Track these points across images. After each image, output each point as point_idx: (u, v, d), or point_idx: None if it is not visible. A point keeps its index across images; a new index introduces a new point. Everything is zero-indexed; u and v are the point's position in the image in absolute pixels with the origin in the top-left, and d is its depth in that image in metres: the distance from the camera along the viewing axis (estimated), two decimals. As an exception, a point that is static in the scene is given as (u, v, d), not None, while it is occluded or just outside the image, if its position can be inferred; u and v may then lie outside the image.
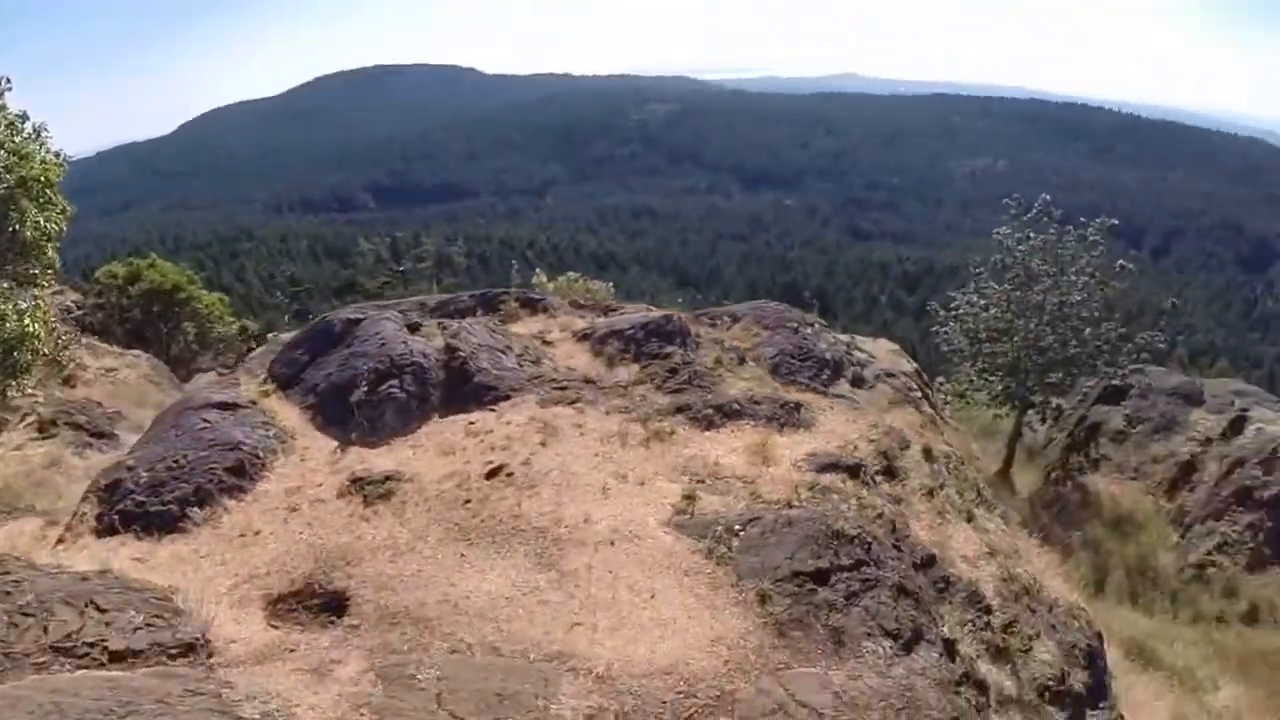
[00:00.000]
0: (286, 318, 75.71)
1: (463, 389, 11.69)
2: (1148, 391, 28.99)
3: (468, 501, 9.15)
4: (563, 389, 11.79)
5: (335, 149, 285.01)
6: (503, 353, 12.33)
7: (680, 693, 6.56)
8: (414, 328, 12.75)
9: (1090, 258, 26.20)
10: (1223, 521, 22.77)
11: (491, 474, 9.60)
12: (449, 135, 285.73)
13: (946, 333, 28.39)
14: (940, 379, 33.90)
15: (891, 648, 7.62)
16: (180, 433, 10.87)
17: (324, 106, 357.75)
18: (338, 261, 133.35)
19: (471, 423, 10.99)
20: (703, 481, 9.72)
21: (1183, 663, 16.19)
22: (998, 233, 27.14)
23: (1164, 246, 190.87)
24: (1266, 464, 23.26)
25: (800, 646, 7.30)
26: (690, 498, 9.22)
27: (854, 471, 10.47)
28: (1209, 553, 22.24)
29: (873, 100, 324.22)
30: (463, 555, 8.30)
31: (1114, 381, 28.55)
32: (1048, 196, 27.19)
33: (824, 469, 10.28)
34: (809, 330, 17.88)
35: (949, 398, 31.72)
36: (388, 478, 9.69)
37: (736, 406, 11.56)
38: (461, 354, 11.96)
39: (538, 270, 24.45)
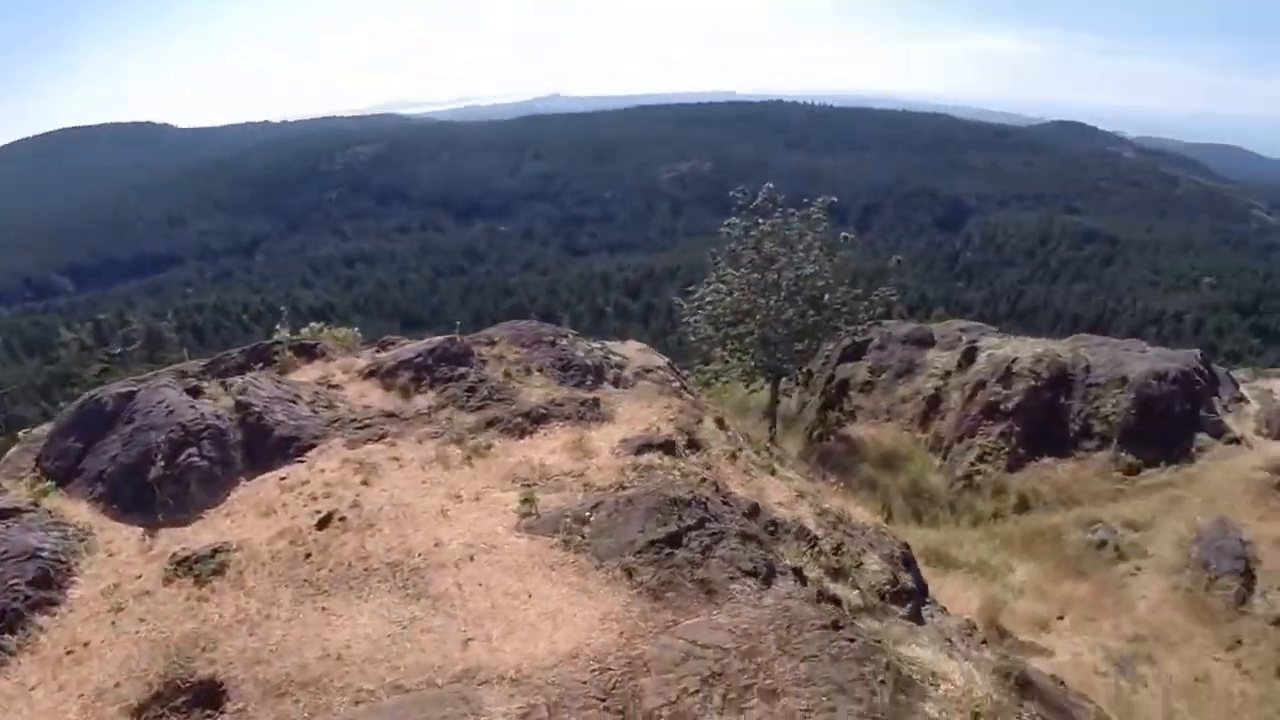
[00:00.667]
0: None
1: (264, 445, 11.09)
2: (885, 342, 31.72)
3: (308, 555, 8.75)
4: (366, 427, 11.52)
5: (22, 229, 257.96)
6: (293, 402, 11.82)
7: (594, 670, 6.81)
8: (195, 391, 11.90)
9: (815, 234, 28.20)
10: (977, 436, 25.30)
11: (323, 523, 9.26)
12: (145, 200, 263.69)
13: (694, 323, 29.68)
14: (687, 370, 35.31)
15: (754, 584, 8.36)
16: (-38, 551, 9.51)
17: (5, 181, 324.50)
18: (40, 356, 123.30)
19: (283, 478, 10.47)
20: (535, 484, 10.05)
21: (976, 558, 17.96)
22: (729, 223, 28.71)
23: (865, 221, 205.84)
24: (1004, 380, 26.03)
25: (678, 603, 7.85)
26: (529, 500, 9.49)
27: (668, 448, 11.32)
28: (972, 464, 24.70)
29: (578, 118, 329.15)
30: (324, 609, 7.96)
31: (854, 339, 30.99)
32: (771, 185, 29.12)
33: (640, 450, 11.03)
34: (564, 342, 18.35)
35: (702, 382, 33.10)
36: (215, 551, 8.95)
37: (542, 411, 11.90)
38: (255, 409, 11.34)
39: (278, 325, 23.77)
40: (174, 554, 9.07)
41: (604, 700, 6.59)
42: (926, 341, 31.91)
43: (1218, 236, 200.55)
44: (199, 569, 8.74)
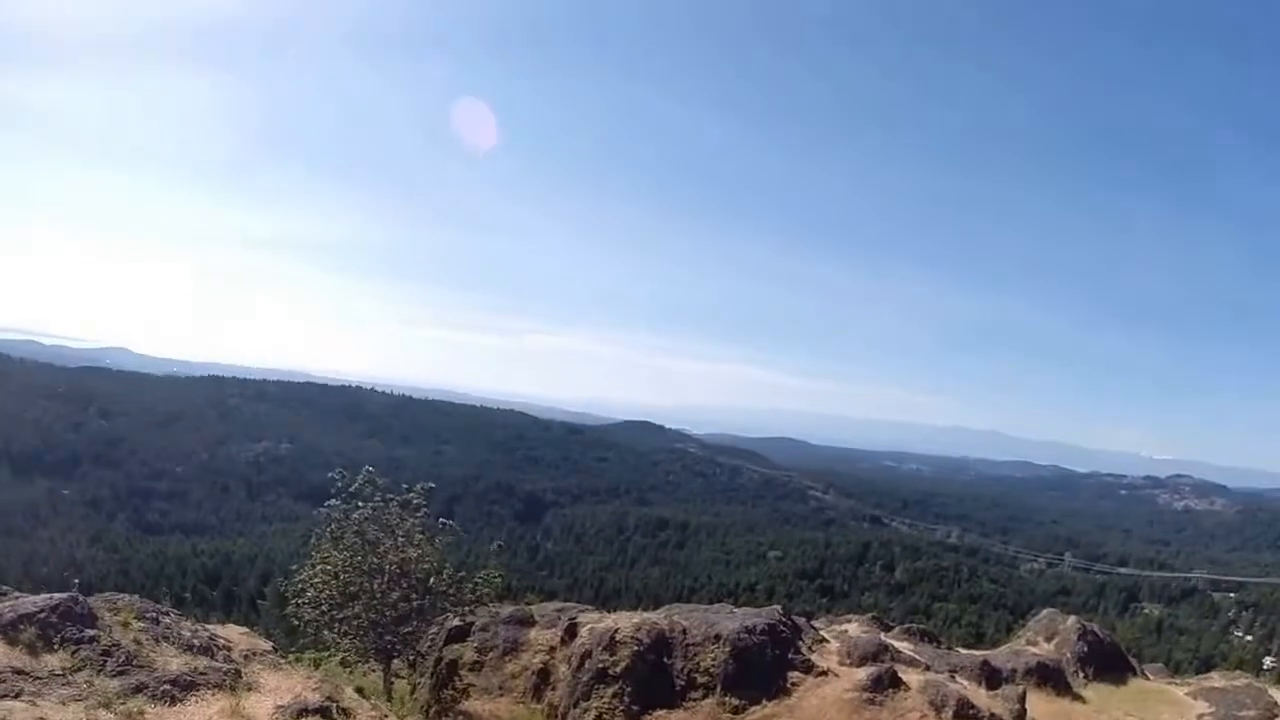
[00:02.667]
0: None
1: None
2: (489, 624, 32.43)
3: None
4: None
5: None
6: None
7: None
8: None
9: (415, 519, 28.92)
10: (592, 699, 26.42)
11: None
12: None
13: (300, 604, 28.87)
14: (295, 653, 34.06)
15: None
16: None
17: None
18: None
19: None
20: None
21: None
22: (329, 504, 28.74)
23: (448, 512, 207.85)
24: (609, 648, 27.62)
25: None
26: None
27: (324, 713, 11.30)
28: None
29: (149, 380, 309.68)
30: None
31: (460, 621, 31.51)
32: (370, 468, 29.66)
33: (299, 715, 11.15)
34: (168, 620, 17.57)
35: (313, 663, 32.10)
36: None
37: (189, 679, 11.45)
38: None
39: None
40: None
41: None
42: (528, 621, 33.07)
43: (779, 516, 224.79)
44: None
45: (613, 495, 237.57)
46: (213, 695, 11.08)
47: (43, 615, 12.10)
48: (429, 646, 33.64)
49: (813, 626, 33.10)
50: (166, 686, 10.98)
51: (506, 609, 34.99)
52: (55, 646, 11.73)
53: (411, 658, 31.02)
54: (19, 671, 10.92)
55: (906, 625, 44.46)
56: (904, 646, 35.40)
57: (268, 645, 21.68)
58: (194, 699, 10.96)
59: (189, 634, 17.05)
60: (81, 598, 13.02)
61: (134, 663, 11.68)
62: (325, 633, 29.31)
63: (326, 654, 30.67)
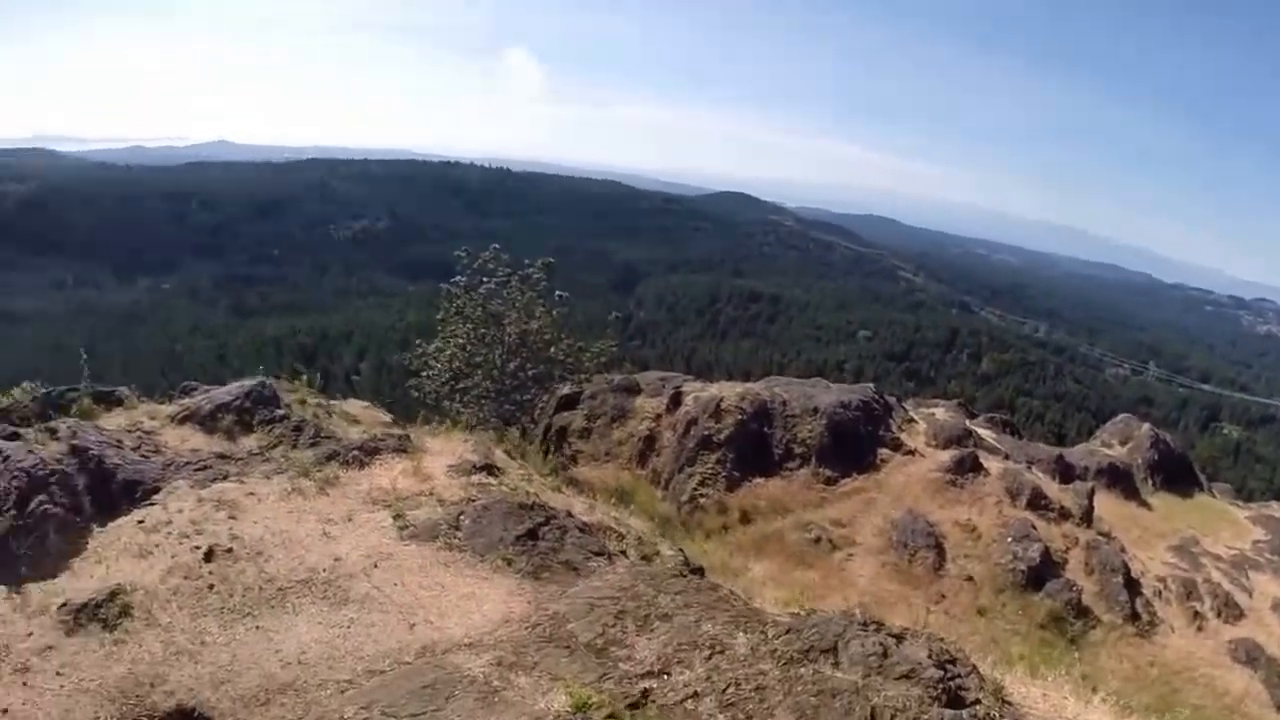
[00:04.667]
0: None
1: (109, 490, 11.13)
2: (597, 392, 34.18)
3: (211, 587, 9.11)
4: (206, 468, 11.93)
5: None
6: (119, 447, 12.03)
7: (528, 626, 8.56)
8: (12, 436, 11.47)
9: (535, 292, 30.23)
10: (696, 465, 28.39)
11: (209, 557, 9.61)
12: None
13: (426, 377, 30.79)
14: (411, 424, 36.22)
15: (603, 562, 10.52)
16: None
17: None
18: None
19: (140, 521, 10.52)
20: (393, 504, 11.22)
21: (719, 560, 20.67)
22: (453, 282, 30.15)
23: (545, 280, 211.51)
24: (715, 416, 29.30)
25: (556, 578, 9.94)
26: (400, 515, 10.81)
27: (489, 470, 12.97)
28: (695, 489, 27.75)
29: (248, 168, 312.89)
30: (259, 627, 8.48)
31: (567, 390, 33.31)
32: (497, 245, 30.85)
33: (469, 472, 12.68)
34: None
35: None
36: (113, 594, 8.77)
37: (372, 445, 12.92)
38: (94, 454, 11.35)
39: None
40: (63, 605, 8.76)
41: (550, 642, 8.13)
42: (634, 389, 34.72)
43: (869, 294, 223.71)
44: (104, 614, 8.60)
45: (705, 266, 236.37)
46: (393, 458, 12.59)
47: (237, 402, 13.66)
48: (538, 414, 35.76)
49: (902, 407, 34.65)
50: (355, 453, 12.47)
51: (615, 377, 36.84)
52: (253, 428, 13.34)
53: (525, 424, 33.08)
54: (222, 456, 12.46)
55: (990, 415, 45.80)
56: (986, 434, 36.93)
57: (386, 416, 23.67)
58: (378, 462, 12.42)
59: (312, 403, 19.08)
60: (269, 381, 14.55)
61: (321, 435, 13.28)
62: (445, 403, 31.44)
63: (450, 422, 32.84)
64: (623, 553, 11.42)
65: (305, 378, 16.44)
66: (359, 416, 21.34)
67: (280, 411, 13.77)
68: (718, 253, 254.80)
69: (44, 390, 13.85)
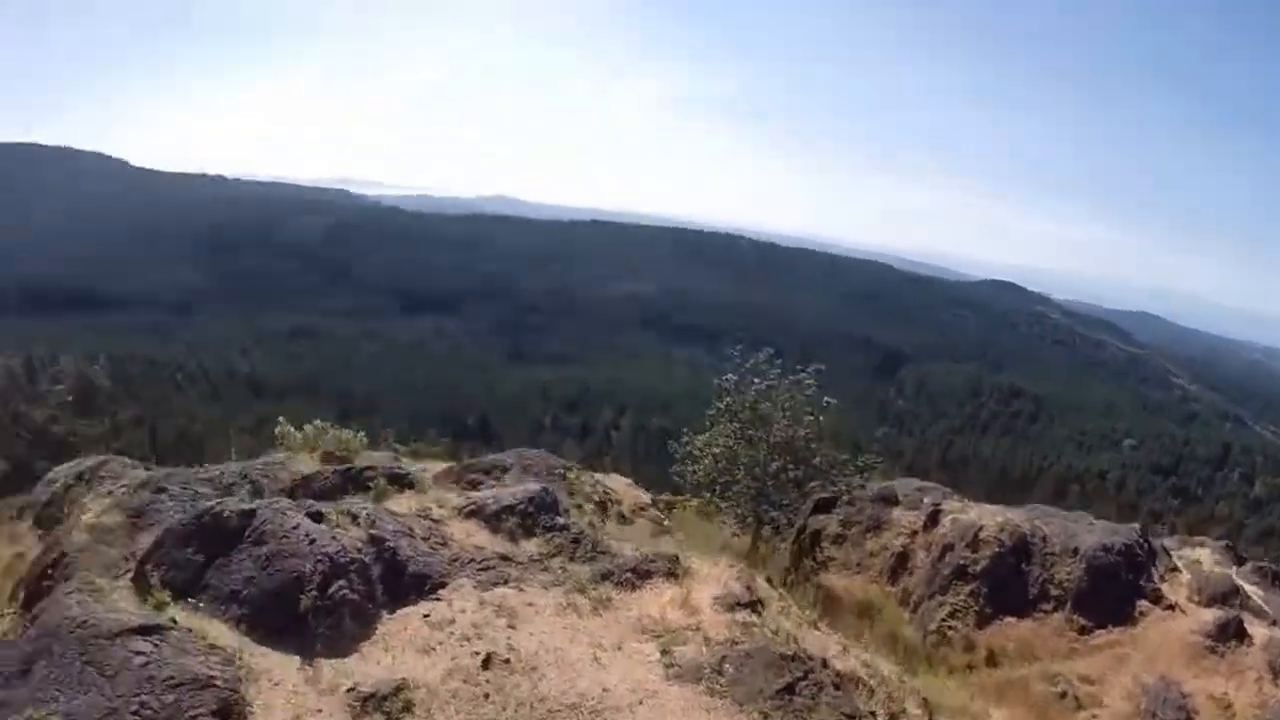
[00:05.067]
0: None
1: (399, 581, 11.81)
2: (855, 499, 33.56)
3: (488, 696, 9.52)
4: (488, 569, 12.45)
5: None
6: (410, 537, 12.80)
7: None
8: (317, 517, 12.39)
9: (804, 396, 30.22)
10: (948, 594, 27.08)
11: (486, 664, 10.09)
12: (87, 232, 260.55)
13: (691, 471, 31.36)
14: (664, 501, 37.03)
15: None
16: (112, 673, 8.94)
17: None
18: None
19: (426, 615, 11.17)
20: (662, 636, 11.40)
21: (959, 703, 19.78)
22: (725, 379, 30.64)
23: (805, 358, 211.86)
24: (972, 545, 27.95)
25: None
26: (667, 651, 10.96)
27: (753, 606, 12.85)
28: (944, 620, 26.44)
29: (529, 224, 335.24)
30: None
31: (824, 494, 32.98)
32: (771, 350, 31.19)
33: (733, 608, 12.55)
34: (572, 475, 19.81)
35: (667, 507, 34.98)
36: (398, 689, 9.34)
37: (645, 568, 13.10)
38: (389, 544, 12.13)
39: (281, 420, 24.69)
40: (351, 689, 9.34)
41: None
42: (892, 500, 33.70)
43: (1138, 400, 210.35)
44: (389, 707, 9.12)
45: (968, 356, 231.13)
46: (663, 583, 12.75)
47: (521, 506, 14.17)
48: (795, 513, 35.60)
49: (1166, 551, 31.80)
50: (628, 575, 12.73)
51: (873, 485, 36.17)
52: (534, 533, 13.81)
53: (780, 524, 33.02)
54: (504, 558, 12.91)
55: (1260, 565, 40.91)
56: (1254, 590, 33.25)
57: (646, 497, 24.00)
58: (649, 587, 12.59)
59: (588, 489, 19.53)
60: (550, 490, 15.09)
61: (597, 549, 13.59)
62: (706, 493, 31.89)
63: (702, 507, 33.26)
64: (871, 714, 11.28)
65: (584, 480, 16.99)
66: (621, 495, 21.87)
67: (560, 520, 14.23)
68: (980, 342, 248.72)
69: (344, 468, 15.11)
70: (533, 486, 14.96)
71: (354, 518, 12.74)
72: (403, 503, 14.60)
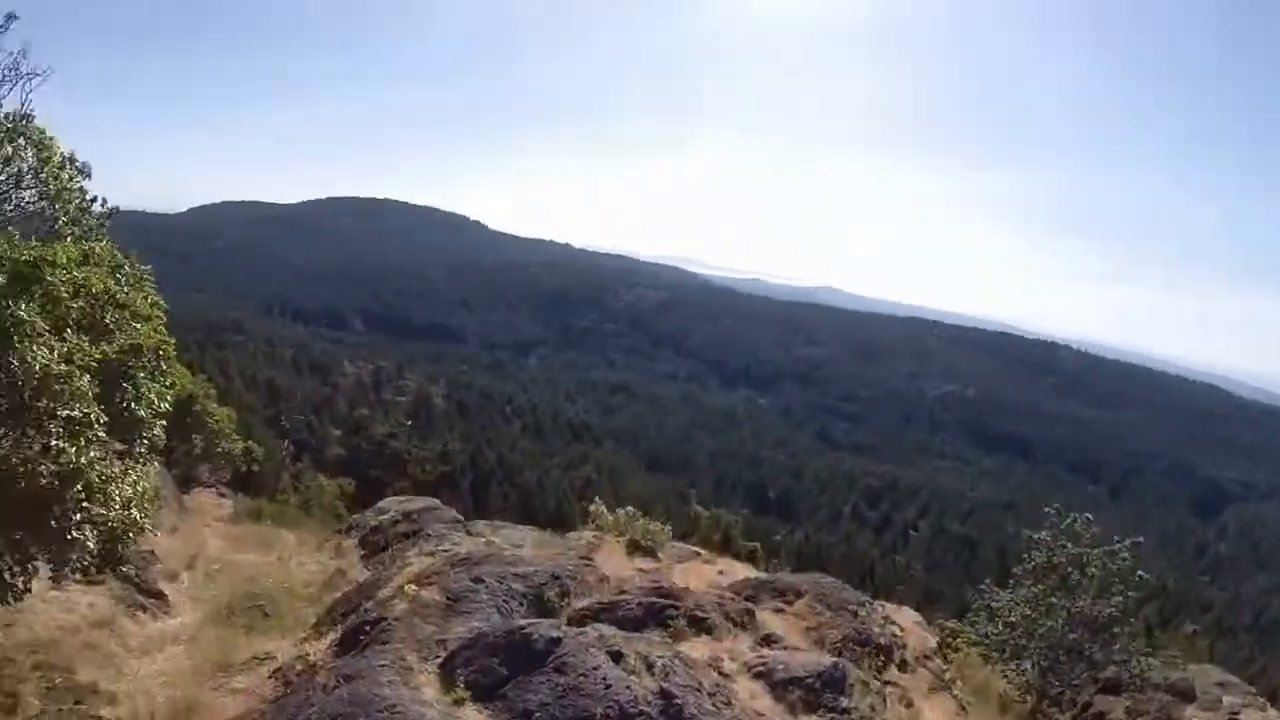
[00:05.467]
0: (286, 445, 76.83)
1: None
2: (1145, 686, 30.73)
3: None
4: (768, 740, 12.64)
5: (333, 267, 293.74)
6: (697, 693, 13.06)
7: None
8: (616, 656, 12.93)
9: (1115, 568, 28.15)
10: None
11: None
12: (445, 278, 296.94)
13: (985, 633, 29.97)
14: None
15: None
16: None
17: (329, 225, 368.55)
18: (319, 377, 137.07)
19: None
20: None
21: None
22: (1039, 538, 29.08)
23: (1122, 484, 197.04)
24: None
25: None
26: None
27: None
28: None
29: (853, 315, 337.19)
30: None
31: (1112, 674, 30.45)
32: (1089, 516, 29.33)
33: None
34: (863, 613, 19.23)
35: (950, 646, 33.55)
36: None
37: None
38: (677, 700, 12.29)
39: (597, 499, 25.84)
40: None
41: None
42: (1188, 695, 30.66)
43: None
44: None
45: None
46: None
47: (809, 680, 14.16)
48: (1079, 688, 33.08)
49: None
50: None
51: (1167, 674, 32.90)
52: (815, 709, 13.73)
53: (1062, 700, 30.82)
54: None
55: None
56: None
57: (932, 642, 23.12)
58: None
59: (877, 629, 18.98)
60: (842, 664, 15.11)
61: (880, 739, 13.55)
62: (995, 653, 30.36)
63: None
64: None
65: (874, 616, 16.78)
66: (907, 637, 21.31)
67: (844, 701, 14.10)
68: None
69: (648, 599, 15.59)
70: (824, 660, 14.88)
71: (649, 666, 13.06)
72: (698, 647, 14.88)
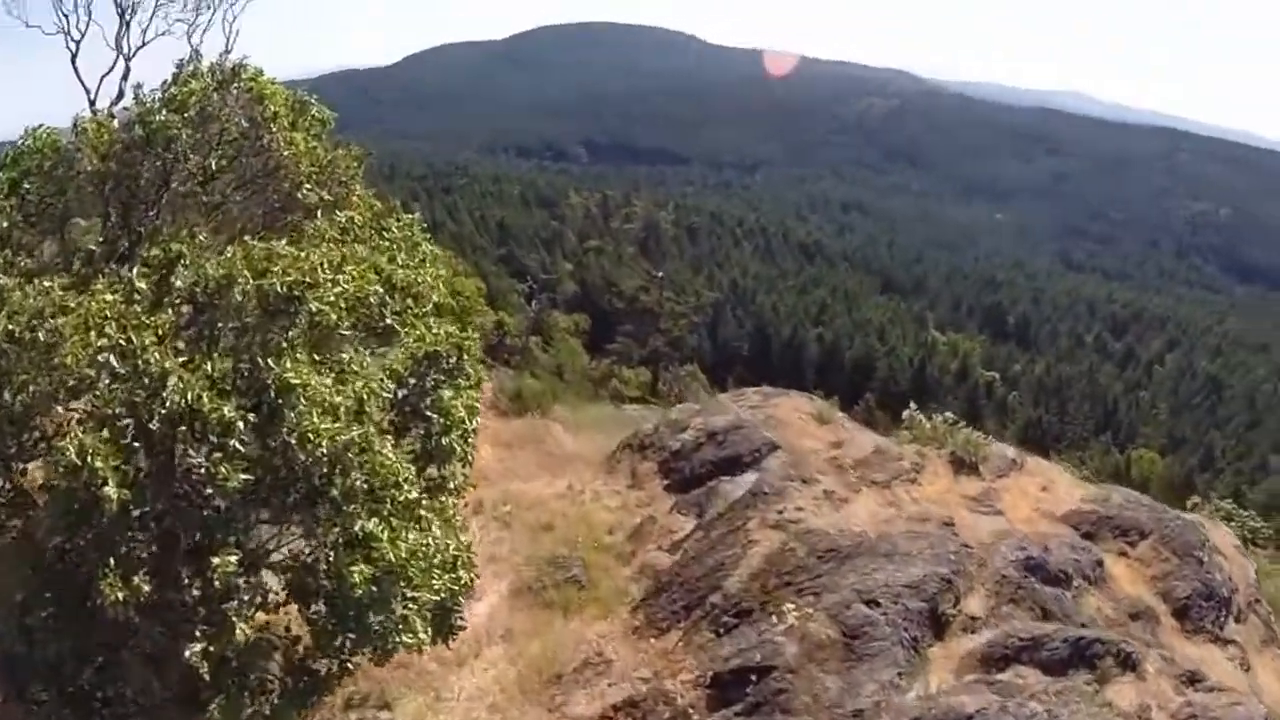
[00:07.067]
0: (531, 301, 79.40)
1: None
2: None
3: None
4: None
5: (552, 99, 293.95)
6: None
7: None
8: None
9: None
10: None
11: None
12: (666, 100, 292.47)
13: None
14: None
15: None
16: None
17: (544, 56, 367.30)
18: (547, 211, 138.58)
19: None
20: None
21: None
22: None
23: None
24: None
25: None
26: None
27: None
28: None
29: (1098, 124, 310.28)
30: None
31: None
32: None
33: None
34: (1207, 559, 19.51)
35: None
36: None
37: None
38: None
39: (912, 405, 25.55)
40: None
41: None
42: None
43: None
44: None
45: None
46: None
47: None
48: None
49: None
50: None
51: None
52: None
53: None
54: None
55: None
56: None
57: (1252, 572, 22.11)
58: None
59: (1219, 579, 19.41)
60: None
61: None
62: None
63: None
64: None
65: None
66: (1230, 563, 20.69)
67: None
68: None
69: (1076, 636, 16.24)
70: (1257, 713, 15.89)
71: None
72: (1125, 693, 15.63)
